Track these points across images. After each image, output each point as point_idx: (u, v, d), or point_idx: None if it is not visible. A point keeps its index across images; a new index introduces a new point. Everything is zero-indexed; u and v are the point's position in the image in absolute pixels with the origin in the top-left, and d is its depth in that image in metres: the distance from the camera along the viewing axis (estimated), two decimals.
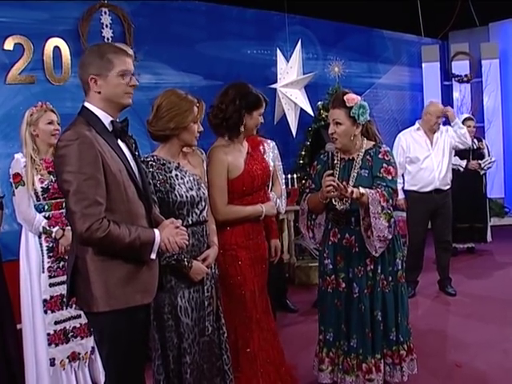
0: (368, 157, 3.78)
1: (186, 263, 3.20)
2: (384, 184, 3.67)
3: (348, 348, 3.83)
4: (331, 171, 3.65)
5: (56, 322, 4.08)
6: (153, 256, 2.70)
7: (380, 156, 3.77)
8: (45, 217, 4.06)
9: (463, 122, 7.77)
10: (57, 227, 4.04)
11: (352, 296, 3.78)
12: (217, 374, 3.43)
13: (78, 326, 4.14)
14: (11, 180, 4.07)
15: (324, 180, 3.60)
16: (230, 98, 3.65)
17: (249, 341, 3.69)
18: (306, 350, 4.58)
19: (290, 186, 6.78)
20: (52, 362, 4.08)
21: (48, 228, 4.03)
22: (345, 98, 3.69)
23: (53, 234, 4.04)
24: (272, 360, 3.80)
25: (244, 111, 3.65)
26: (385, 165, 3.74)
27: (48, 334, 4.06)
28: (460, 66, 10.15)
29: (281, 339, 4.89)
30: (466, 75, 10.12)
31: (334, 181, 3.56)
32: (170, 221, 2.82)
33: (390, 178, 3.72)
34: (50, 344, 4.07)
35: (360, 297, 3.76)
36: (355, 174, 3.75)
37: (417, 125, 6.43)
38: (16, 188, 4.03)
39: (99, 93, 2.69)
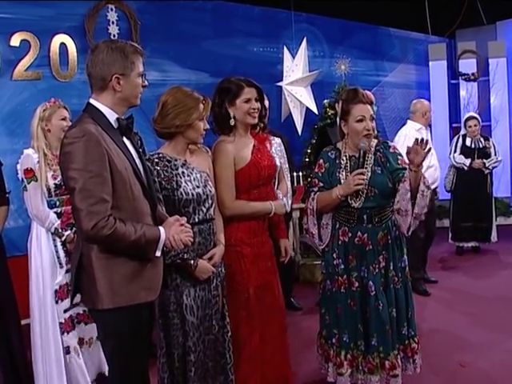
0: (379, 153, 3.81)
1: (192, 262, 3.20)
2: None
3: (367, 347, 3.80)
4: (364, 170, 3.70)
5: (65, 311, 4.10)
6: (158, 253, 2.70)
7: (391, 150, 3.84)
8: (56, 213, 4.08)
9: (465, 122, 7.85)
10: (68, 231, 4.06)
11: (368, 294, 3.76)
12: (221, 373, 3.42)
13: (81, 312, 4.14)
14: (22, 176, 4.07)
15: (353, 178, 3.64)
16: (213, 97, 3.65)
17: (249, 338, 3.65)
18: (310, 347, 4.57)
19: (295, 184, 6.77)
20: (67, 350, 4.11)
21: (60, 231, 4.06)
22: (368, 94, 3.74)
23: (63, 238, 4.07)
24: (269, 359, 3.75)
25: (226, 104, 3.63)
26: (399, 157, 3.81)
27: (60, 324, 4.09)
28: (467, 65, 10.10)
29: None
30: (473, 74, 10.07)
31: (364, 180, 3.65)
32: (174, 218, 2.82)
33: (406, 167, 3.74)
34: (62, 333, 4.09)
35: (377, 295, 3.74)
36: (369, 171, 3.75)
37: (418, 124, 6.50)
38: (28, 183, 4.03)
39: (119, 92, 2.69)
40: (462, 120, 8.12)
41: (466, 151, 7.75)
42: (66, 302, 4.07)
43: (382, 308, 3.74)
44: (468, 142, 7.79)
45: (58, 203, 4.09)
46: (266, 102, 5.50)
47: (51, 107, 4.11)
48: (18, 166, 4.15)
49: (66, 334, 4.10)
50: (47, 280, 4.09)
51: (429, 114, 6.55)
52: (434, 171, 6.28)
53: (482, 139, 7.85)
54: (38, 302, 4.11)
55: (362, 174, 3.66)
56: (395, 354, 3.78)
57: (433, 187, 6.20)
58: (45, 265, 4.09)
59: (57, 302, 4.07)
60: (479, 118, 7.97)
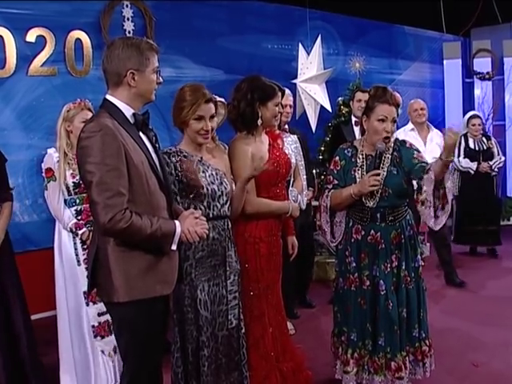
0: (395, 153, 3.78)
1: None
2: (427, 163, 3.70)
3: (374, 347, 3.78)
4: (378, 171, 3.68)
5: (99, 314, 4.09)
6: (173, 247, 2.72)
7: (407, 145, 3.82)
8: (76, 210, 4.09)
9: (469, 120, 7.64)
10: (84, 229, 4.05)
11: (379, 294, 3.74)
12: (234, 369, 3.44)
13: None
14: (43, 174, 4.10)
15: (369, 178, 3.64)
16: (242, 93, 3.64)
17: (262, 337, 3.67)
18: (322, 345, 4.57)
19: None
20: (103, 353, 4.12)
21: (74, 230, 4.06)
22: (395, 96, 3.72)
23: (78, 237, 4.07)
24: (283, 356, 3.78)
25: (258, 104, 3.62)
26: (416, 152, 3.78)
27: (93, 326, 4.08)
28: (482, 64, 10.05)
29: (297, 335, 4.92)
30: (487, 72, 10.02)
31: (379, 182, 3.64)
32: (189, 211, 2.84)
33: (423, 160, 3.74)
34: (95, 336, 4.08)
35: (387, 294, 3.72)
36: (384, 171, 3.72)
37: (410, 125, 6.65)
38: (48, 182, 4.06)
39: (134, 87, 2.71)
40: (465, 118, 7.91)
41: (470, 154, 7.51)
42: (101, 306, 4.06)
43: (392, 308, 3.72)
44: (471, 143, 7.57)
45: (77, 201, 4.09)
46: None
47: (75, 108, 4.08)
48: (43, 165, 4.17)
49: (99, 338, 4.10)
50: (68, 276, 4.10)
51: (415, 113, 6.61)
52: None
53: (484, 139, 7.65)
54: (63, 301, 4.13)
55: (377, 174, 3.66)
56: (403, 355, 3.75)
57: None
58: (65, 261, 4.10)
59: (87, 305, 4.07)
60: (482, 118, 7.89)
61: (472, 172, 7.48)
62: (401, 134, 6.44)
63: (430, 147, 6.48)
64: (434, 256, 6.79)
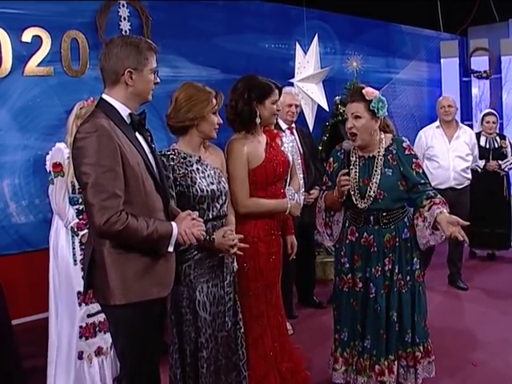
0: (390, 155, 3.71)
1: (208, 237, 3.14)
2: (423, 181, 3.69)
3: (362, 348, 3.78)
4: (346, 170, 3.65)
5: (88, 315, 4.08)
6: (170, 249, 2.70)
7: (407, 152, 3.73)
8: (78, 210, 4.07)
9: (483, 118, 7.52)
10: (85, 230, 4.01)
11: (368, 296, 3.73)
12: (233, 369, 3.43)
13: (103, 320, 4.09)
14: (50, 169, 4.06)
15: (339, 179, 3.62)
16: (239, 93, 3.65)
17: (261, 337, 3.67)
18: (322, 345, 4.55)
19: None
20: (80, 356, 4.08)
21: (76, 230, 4.05)
22: (363, 91, 3.63)
23: (78, 237, 4.05)
24: (281, 356, 3.78)
25: (255, 102, 3.62)
26: (414, 159, 3.73)
27: (80, 327, 4.06)
28: (479, 62, 10.02)
29: (295, 335, 4.90)
30: (485, 71, 9.98)
31: (349, 181, 3.61)
32: (186, 213, 2.82)
33: (421, 171, 3.72)
34: (80, 337, 4.07)
35: (376, 297, 3.71)
36: (378, 174, 3.68)
37: (437, 122, 6.53)
38: (55, 177, 4.02)
39: (131, 86, 2.70)
40: (479, 116, 7.79)
41: (480, 152, 7.18)
42: (91, 308, 4.06)
43: (380, 312, 3.70)
44: (482, 141, 7.37)
45: (80, 200, 4.06)
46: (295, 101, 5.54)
47: (88, 106, 4.06)
48: (48, 157, 4.13)
49: (83, 338, 4.08)
50: (63, 275, 4.07)
51: (442, 110, 6.45)
52: (441, 171, 6.25)
53: (497, 138, 7.44)
54: (54, 301, 4.11)
55: (346, 174, 3.63)
56: (390, 359, 3.72)
57: (443, 187, 6.14)
58: (60, 260, 4.08)
59: (80, 305, 4.05)
60: (497, 115, 7.64)
61: (479, 170, 7.25)
62: (427, 132, 6.49)
63: (454, 145, 6.36)
64: (440, 255, 6.64)
